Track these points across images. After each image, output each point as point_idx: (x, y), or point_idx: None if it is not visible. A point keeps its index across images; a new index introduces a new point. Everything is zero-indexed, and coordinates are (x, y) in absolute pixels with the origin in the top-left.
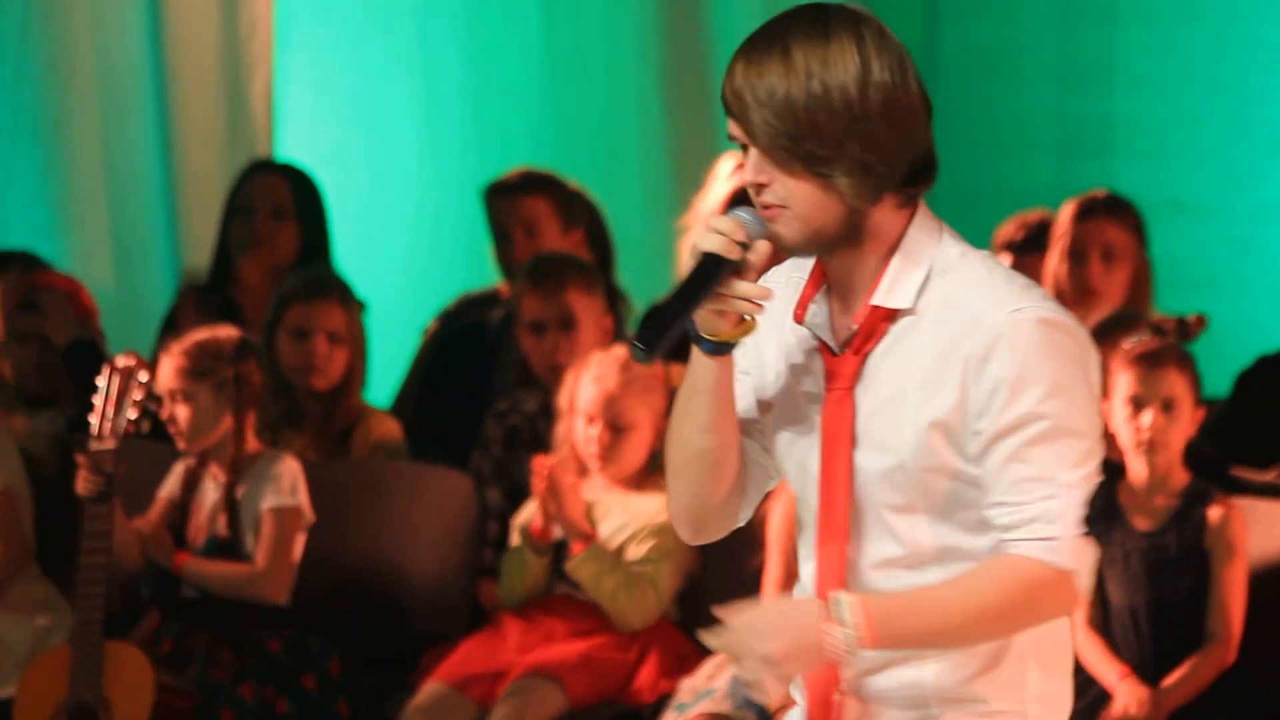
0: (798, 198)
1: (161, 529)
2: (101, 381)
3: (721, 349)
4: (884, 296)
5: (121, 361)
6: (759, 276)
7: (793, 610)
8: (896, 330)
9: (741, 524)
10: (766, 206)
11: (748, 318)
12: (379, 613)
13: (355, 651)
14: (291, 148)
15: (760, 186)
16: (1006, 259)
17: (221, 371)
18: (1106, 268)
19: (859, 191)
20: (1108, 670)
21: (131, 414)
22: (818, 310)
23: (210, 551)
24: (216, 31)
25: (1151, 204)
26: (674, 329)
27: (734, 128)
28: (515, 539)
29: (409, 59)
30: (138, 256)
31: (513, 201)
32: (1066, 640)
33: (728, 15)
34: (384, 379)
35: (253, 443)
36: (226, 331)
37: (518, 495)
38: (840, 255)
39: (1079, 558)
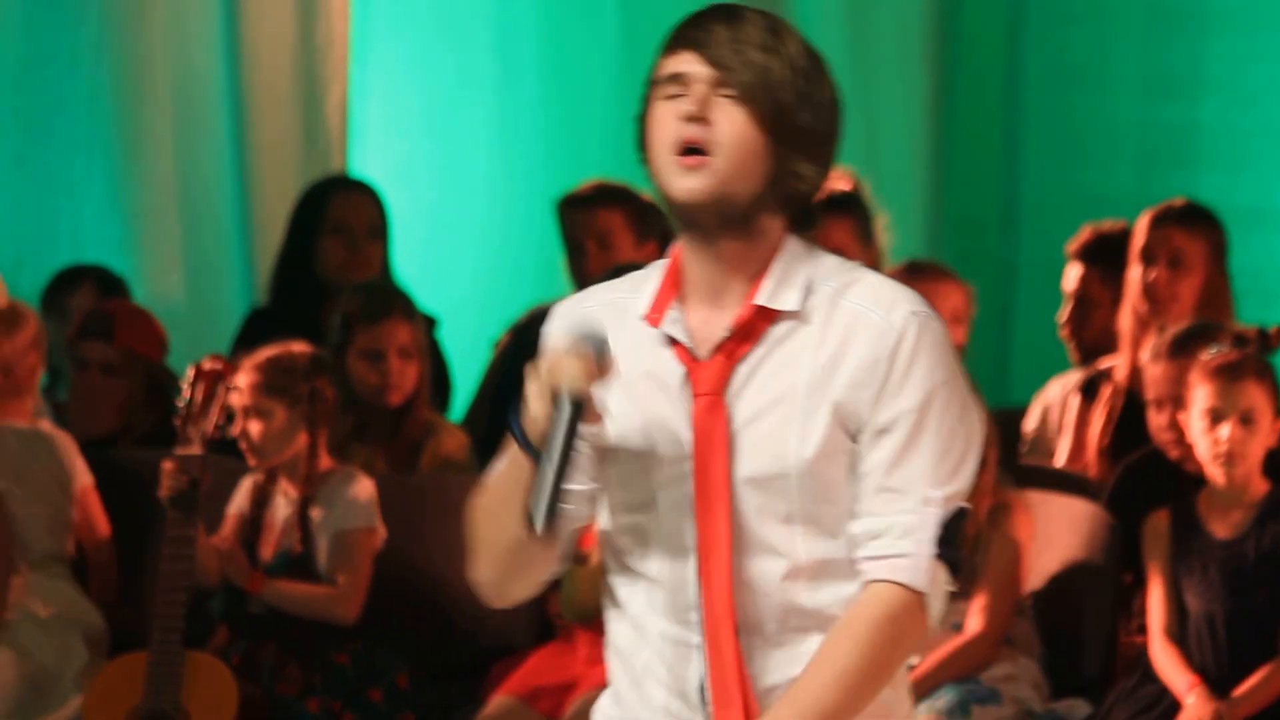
0: (736, 151)
1: (238, 548)
2: (186, 385)
3: None
4: (768, 298)
5: (207, 364)
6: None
7: None
8: (776, 334)
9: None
10: (693, 144)
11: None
12: (447, 625)
13: (423, 664)
14: (366, 162)
15: (700, 122)
16: (1077, 268)
17: (297, 388)
18: (1173, 275)
19: (812, 178)
20: (1179, 680)
21: (217, 419)
22: (675, 316)
23: (280, 567)
24: (292, 45)
25: (1233, 213)
26: (561, 494)
27: (687, 62)
28: None
29: (484, 72)
30: (210, 272)
31: (586, 214)
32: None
33: (809, 25)
34: (462, 392)
35: (325, 459)
36: (300, 347)
37: None
38: (725, 242)
39: (930, 580)
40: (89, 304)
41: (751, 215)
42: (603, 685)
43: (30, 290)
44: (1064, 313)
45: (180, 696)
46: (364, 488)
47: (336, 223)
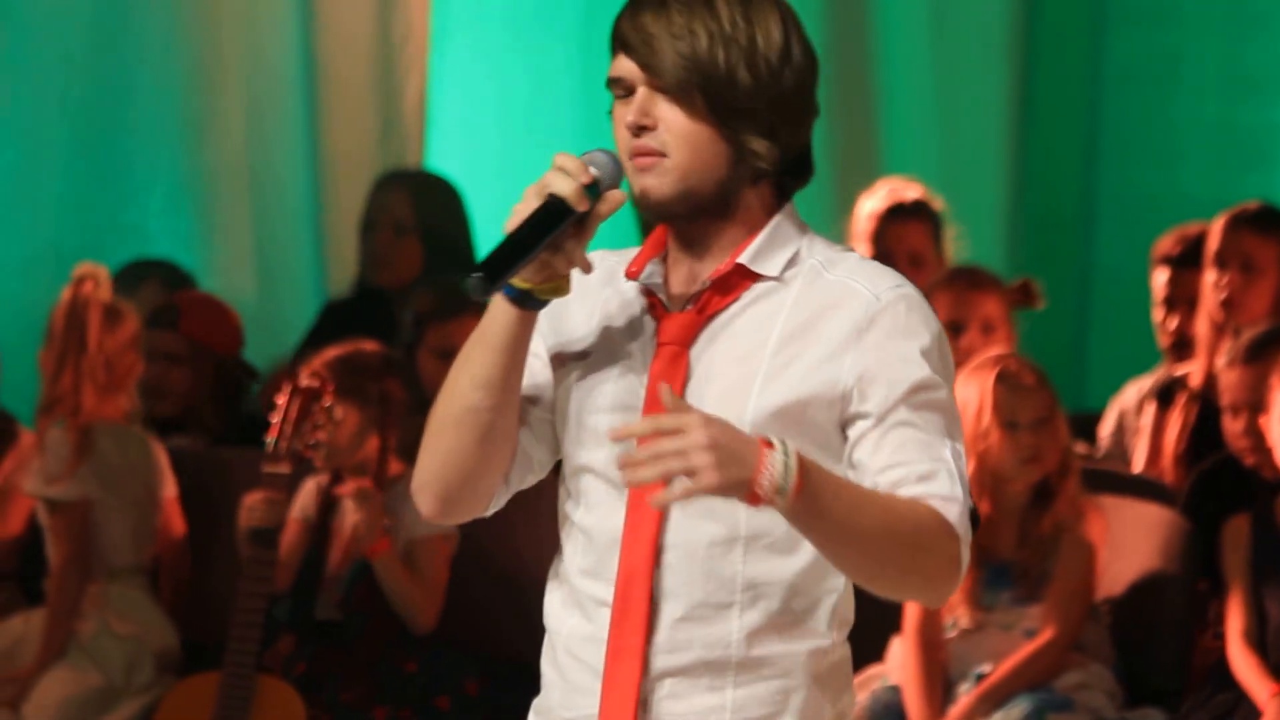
0: (686, 146)
1: (296, 556)
2: (281, 400)
3: (526, 300)
4: (751, 259)
5: (304, 381)
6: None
7: (733, 426)
8: (752, 294)
9: (489, 514)
10: (645, 153)
11: (562, 279)
12: (514, 631)
13: (492, 671)
14: (444, 156)
15: (642, 129)
16: (1164, 273)
17: (368, 389)
18: (1246, 279)
19: (767, 153)
20: (1260, 687)
21: (310, 439)
22: (654, 270)
23: (359, 576)
24: (369, 37)
25: None
26: (515, 267)
27: (624, 66)
28: None
29: (565, 65)
30: (281, 267)
31: None
32: (849, 666)
33: (892, 22)
34: None
35: (394, 464)
36: (370, 346)
37: None
38: (701, 224)
39: (965, 530)
40: (154, 299)
41: (724, 199)
42: None
43: None
44: (1166, 319)
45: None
46: None
47: (368, 220)
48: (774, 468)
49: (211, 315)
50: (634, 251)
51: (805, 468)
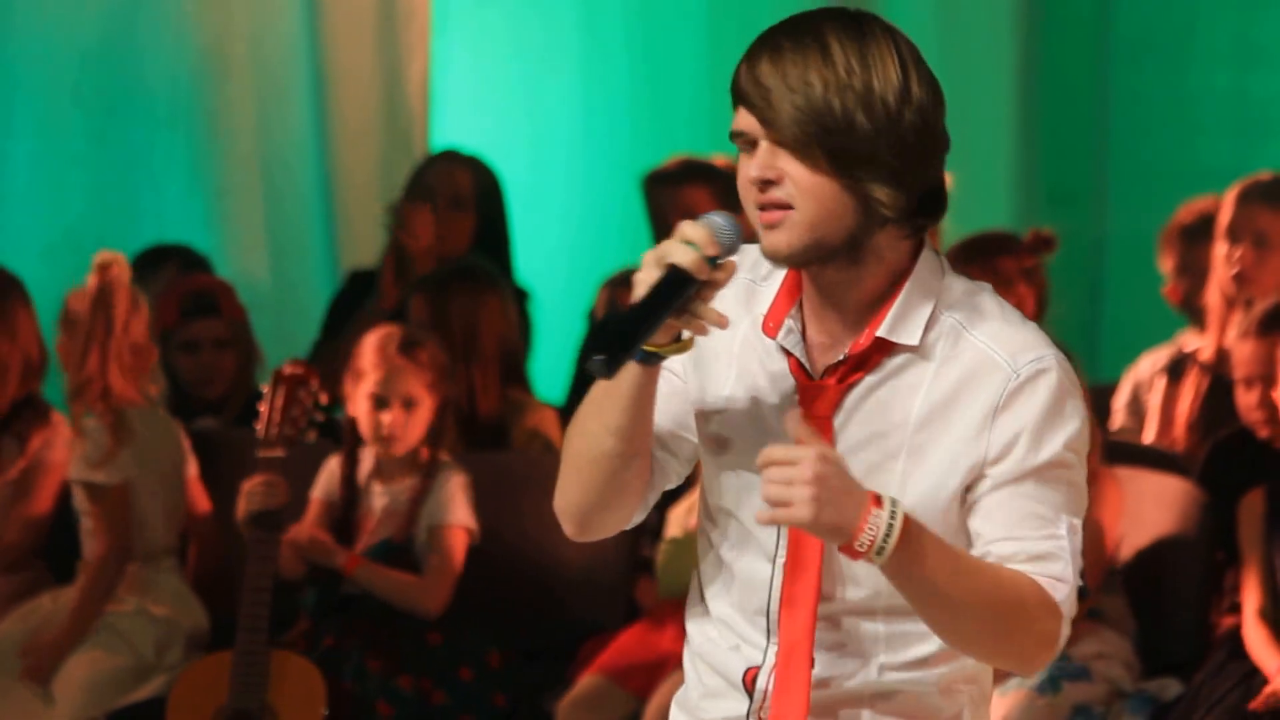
0: (811, 198)
1: (322, 534)
2: (267, 389)
3: (651, 359)
4: (889, 329)
5: (288, 369)
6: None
7: (849, 475)
8: (892, 365)
9: (630, 527)
10: (771, 205)
11: (686, 336)
12: (537, 605)
13: (513, 644)
14: (449, 136)
15: (767, 184)
16: (1175, 248)
17: (444, 381)
18: (1258, 255)
19: (891, 202)
20: (1269, 658)
21: (299, 424)
22: (791, 326)
23: (379, 555)
24: (373, 19)
25: None
26: (636, 345)
27: (745, 120)
28: (672, 530)
29: (570, 45)
30: (294, 249)
31: (672, 191)
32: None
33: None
34: (550, 369)
35: (425, 450)
36: (427, 336)
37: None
38: (833, 272)
39: (1071, 608)
40: (172, 282)
41: (854, 246)
42: None
43: None
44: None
45: (266, 696)
46: (463, 482)
47: (419, 192)
48: (877, 527)
49: (235, 296)
50: (763, 261)
51: (909, 532)
